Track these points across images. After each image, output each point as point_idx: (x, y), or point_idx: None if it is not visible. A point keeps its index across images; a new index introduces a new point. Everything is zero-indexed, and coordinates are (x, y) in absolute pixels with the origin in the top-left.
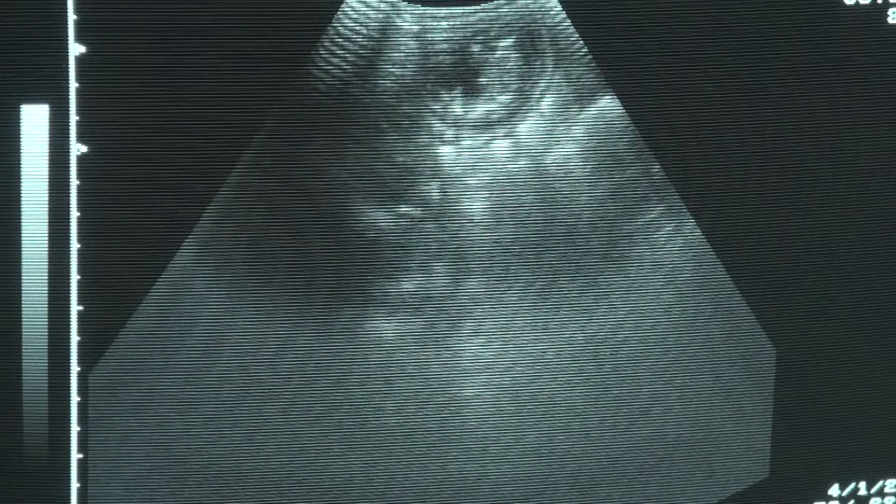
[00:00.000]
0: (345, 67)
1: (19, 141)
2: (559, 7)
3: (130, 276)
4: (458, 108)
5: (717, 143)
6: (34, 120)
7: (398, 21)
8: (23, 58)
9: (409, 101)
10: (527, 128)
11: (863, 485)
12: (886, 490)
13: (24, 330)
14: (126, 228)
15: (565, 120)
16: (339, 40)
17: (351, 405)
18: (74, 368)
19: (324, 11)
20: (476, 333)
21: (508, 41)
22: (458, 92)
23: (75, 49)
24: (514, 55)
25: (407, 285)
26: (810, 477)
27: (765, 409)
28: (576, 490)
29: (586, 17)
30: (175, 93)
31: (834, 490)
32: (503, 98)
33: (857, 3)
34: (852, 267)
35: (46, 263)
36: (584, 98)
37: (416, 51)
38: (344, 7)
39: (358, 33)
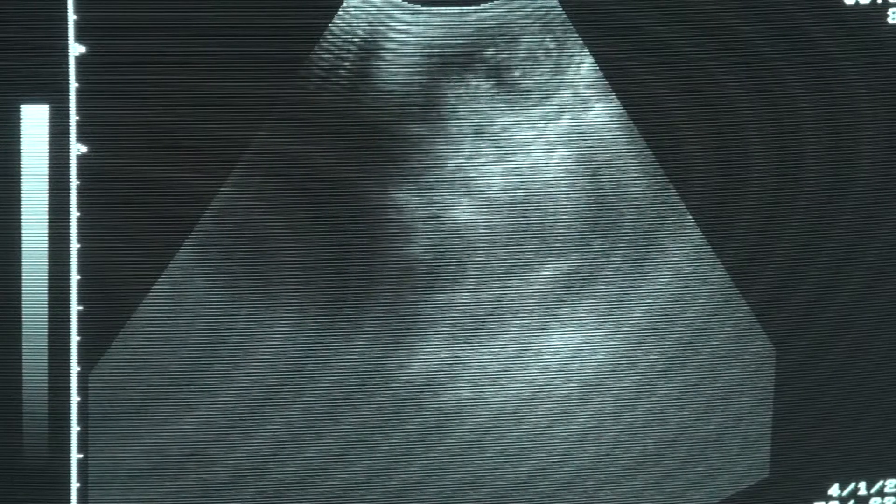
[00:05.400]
0: (345, 67)
1: (19, 141)
2: (559, 7)
3: (130, 276)
4: (458, 108)
5: (717, 142)
6: (34, 120)
7: (398, 21)
8: (23, 58)
9: (409, 100)
10: (529, 128)
11: (863, 485)
12: (886, 490)
13: (24, 330)
14: (126, 228)
15: (566, 121)
16: (340, 40)
17: (350, 405)
18: (74, 368)
19: (324, 11)
20: (475, 334)
21: (510, 39)
22: (459, 91)
23: (75, 49)
24: (516, 54)
25: (407, 285)
26: (810, 477)
27: (764, 409)
28: (575, 490)
29: (586, 17)
30: (175, 93)
31: (834, 490)
32: (508, 97)
33: (857, 3)
34: (852, 267)
35: (46, 263)
36: (584, 99)
37: (416, 50)
38: (345, 6)
39: (358, 33)
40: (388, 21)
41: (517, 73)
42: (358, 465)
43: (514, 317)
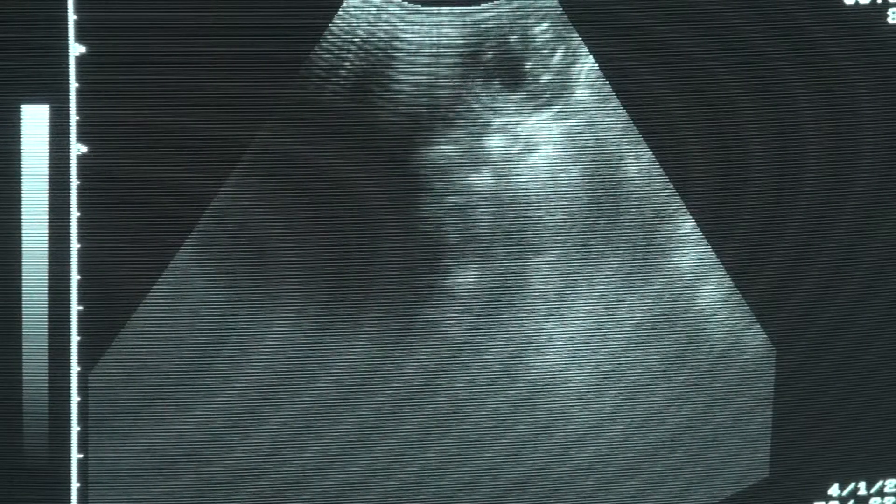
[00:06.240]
0: (345, 67)
1: (19, 141)
2: (559, 7)
3: (130, 276)
4: (459, 108)
5: (717, 142)
6: (34, 120)
7: (399, 21)
8: (23, 58)
9: (409, 100)
10: (530, 128)
11: (863, 485)
12: (886, 490)
13: (24, 330)
14: (126, 228)
15: (566, 121)
16: (340, 40)
17: (350, 405)
18: (74, 368)
19: (324, 11)
20: (476, 334)
21: (510, 39)
22: (460, 91)
23: (75, 49)
24: (516, 54)
25: (407, 285)
26: (810, 477)
27: (765, 409)
28: (575, 490)
29: (586, 16)
30: (175, 93)
31: (834, 490)
32: (508, 97)
33: (857, 3)
34: (852, 267)
35: (46, 263)
36: (584, 98)
37: (417, 50)
38: (345, 6)
39: (358, 33)
40: (388, 21)
41: (517, 73)
42: (357, 465)
43: (514, 317)
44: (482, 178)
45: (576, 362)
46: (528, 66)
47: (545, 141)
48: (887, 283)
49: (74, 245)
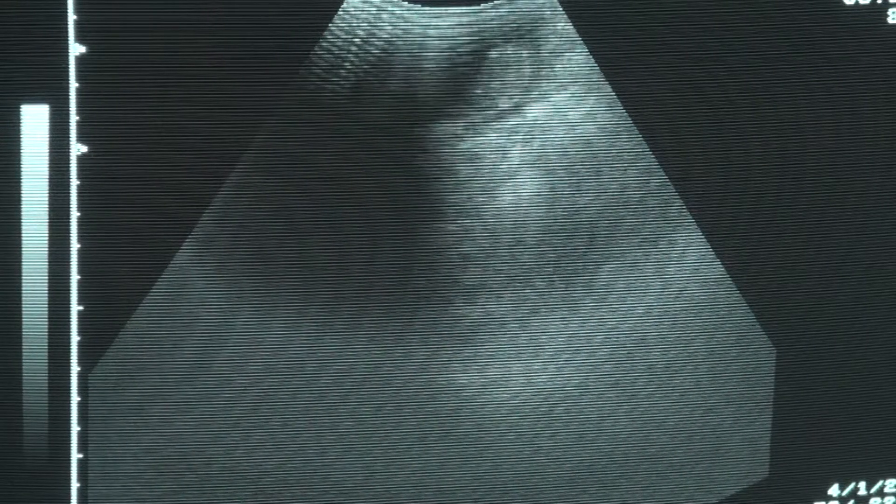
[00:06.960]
0: (346, 67)
1: (19, 141)
2: (560, 7)
3: (130, 276)
4: (460, 109)
5: (717, 142)
6: (34, 120)
7: (399, 21)
8: (23, 58)
9: (410, 100)
10: (531, 129)
11: (863, 485)
12: (886, 490)
13: (24, 330)
14: (126, 228)
15: (566, 121)
16: (340, 40)
17: (349, 405)
18: (74, 368)
19: (324, 11)
20: (475, 333)
21: (510, 40)
22: (459, 91)
23: (75, 49)
24: (516, 55)
25: (406, 285)
26: (810, 477)
27: (765, 409)
28: (574, 490)
29: (587, 17)
30: (175, 93)
31: (834, 490)
32: (506, 98)
33: (857, 3)
34: (852, 267)
35: (46, 263)
36: (585, 99)
37: (417, 50)
38: (345, 6)
39: (358, 33)
40: (388, 21)
41: (518, 73)
42: (357, 466)
43: (513, 315)
44: (483, 178)
45: (575, 362)
46: (528, 65)
47: (546, 140)
48: (887, 283)
49: (74, 245)
